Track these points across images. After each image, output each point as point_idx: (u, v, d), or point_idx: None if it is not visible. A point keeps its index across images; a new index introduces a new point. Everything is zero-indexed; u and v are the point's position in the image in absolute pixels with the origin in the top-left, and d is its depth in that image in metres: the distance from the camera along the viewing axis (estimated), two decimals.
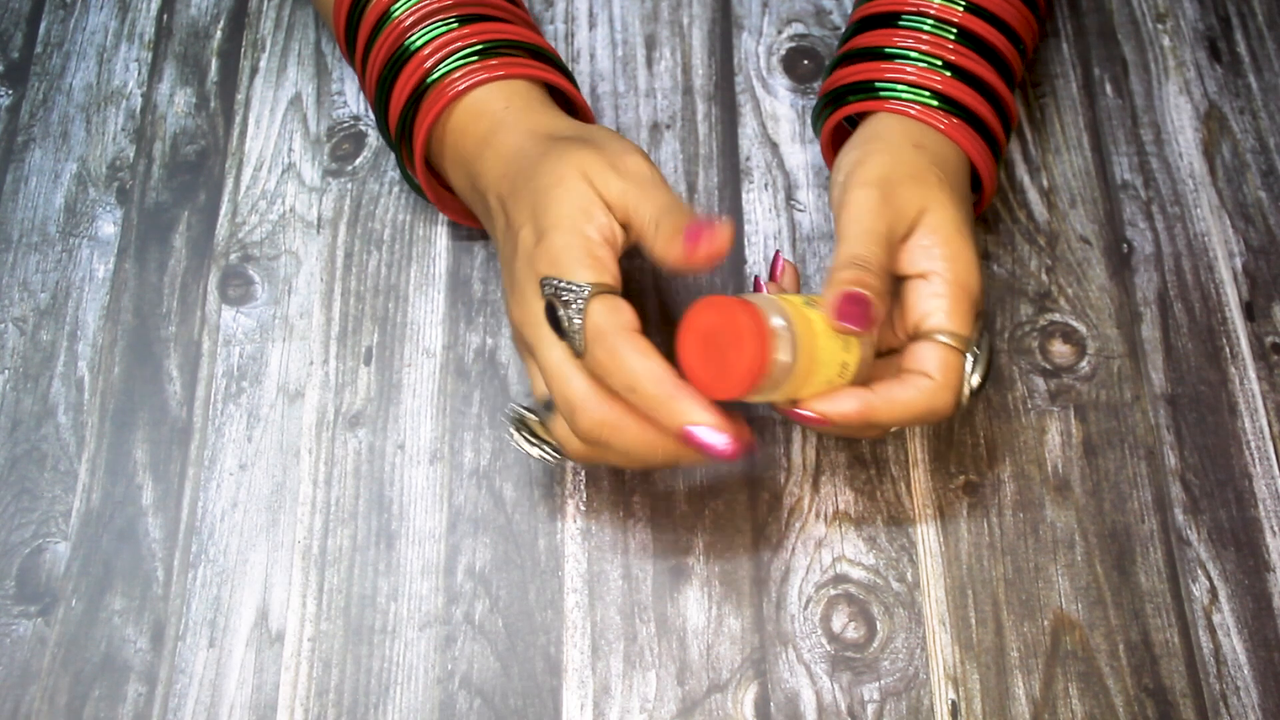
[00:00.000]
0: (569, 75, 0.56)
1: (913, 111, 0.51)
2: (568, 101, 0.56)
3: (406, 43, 0.53)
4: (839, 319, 0.46)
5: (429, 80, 0.52)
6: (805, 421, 0.47)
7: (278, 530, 0.54)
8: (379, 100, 0.54)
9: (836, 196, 0.50)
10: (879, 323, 0.47)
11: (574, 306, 0.46)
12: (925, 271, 0.48)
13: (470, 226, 0.59)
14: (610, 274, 0.47)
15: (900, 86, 0.52)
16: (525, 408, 0.51)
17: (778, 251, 0.56)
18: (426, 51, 0.52)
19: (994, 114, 0.53)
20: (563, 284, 0.46)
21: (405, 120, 0.53)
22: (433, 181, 0.56)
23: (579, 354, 0.46)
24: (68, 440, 0.56)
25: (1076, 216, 0.59)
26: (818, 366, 0.45)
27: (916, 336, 0.48)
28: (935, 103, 0.52)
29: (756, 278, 0.55)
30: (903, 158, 0.50)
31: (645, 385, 0.44)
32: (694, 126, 0.62)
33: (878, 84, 0.53)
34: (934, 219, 0.49)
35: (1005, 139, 0.54)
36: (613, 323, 0.45)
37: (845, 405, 0.46)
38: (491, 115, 0.51)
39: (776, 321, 0.44)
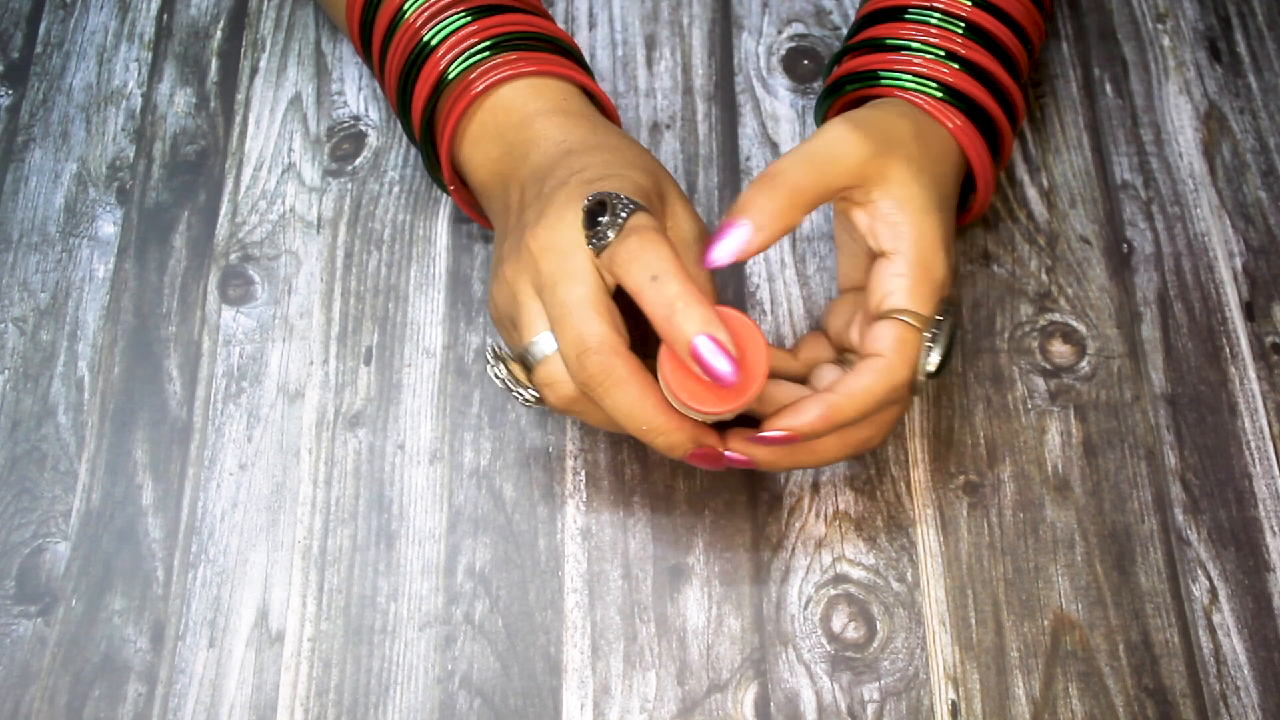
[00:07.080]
0: (585, 66, 0.55)
1: (920, 103, 0.51)
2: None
3: (422, 40, 0.52)
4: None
5: (446, 80, 0.52)
6: (775, 443, 0.46)
7: (278, 530, 0.54)
8: (401, 102, 0.54)
9: None
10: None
11: (621, 208, 0.44)
12: (889, 250, 0.47)
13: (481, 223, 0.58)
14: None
15: (906, 76, 0.51)
16: (505, 348, 0.49)
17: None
18: (440, 52, 0.52)
19: (1001, 110, 0.52)
20: (615, 195, 0.45)
21: (428, 120, 0.53)
22: (457, 183, 0.55)
23: (599, 250, 0.44)
24: (68, 440, 0.56)
25: (1076, 216, 0.59)
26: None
27: (877, 317, 0.47)
28: (941, 95, 0.51)
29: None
30: (882, 121, 0.48)
31: (672, 272, 0.43)
32: (694, 126, 0.62)
33: (881, 73, 0.52)
34: (899, 191, 0.47)
35: (1012, 136, 0.54)
36: (652, 223, 0.44)
37: (808, 414, 0.46)
38: (522, 111, 0.51)
39: None
